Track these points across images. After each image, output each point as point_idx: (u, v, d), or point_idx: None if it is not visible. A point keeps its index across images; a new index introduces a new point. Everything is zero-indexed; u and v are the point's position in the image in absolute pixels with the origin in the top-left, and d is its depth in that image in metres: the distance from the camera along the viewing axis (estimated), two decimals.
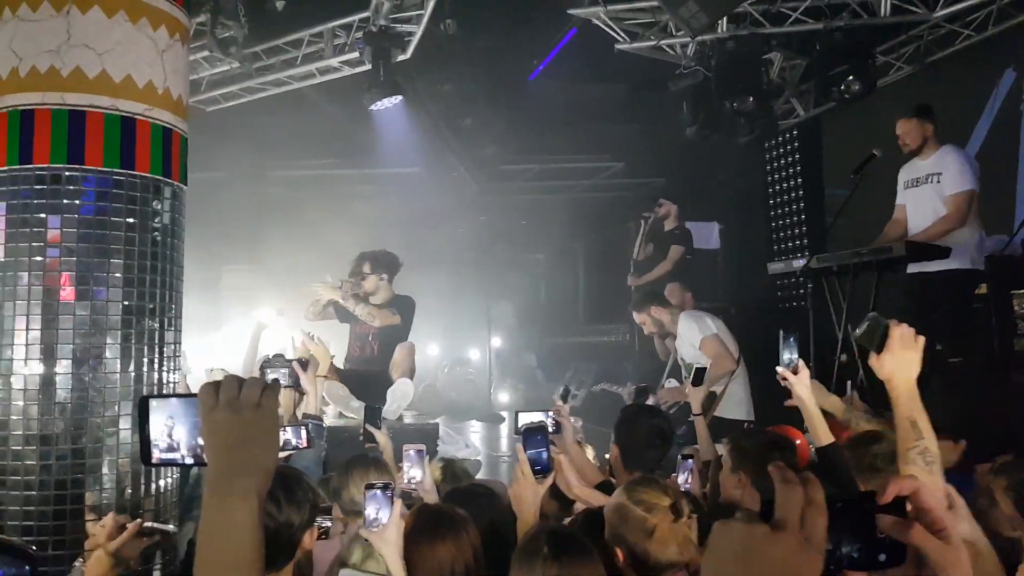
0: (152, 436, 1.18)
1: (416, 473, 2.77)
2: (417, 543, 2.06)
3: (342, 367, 5.62)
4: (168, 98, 2.40)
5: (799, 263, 5.14)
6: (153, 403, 1.19)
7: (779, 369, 2.59)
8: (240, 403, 1.04)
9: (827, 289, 5.08)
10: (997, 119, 6.13)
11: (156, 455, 1.19)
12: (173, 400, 1.20)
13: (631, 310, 5.73)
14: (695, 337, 5.08)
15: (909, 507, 0.82)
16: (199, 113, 7.03)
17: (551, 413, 2.83)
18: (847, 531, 0.81)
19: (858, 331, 1.94)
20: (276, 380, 0.94)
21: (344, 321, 5.76)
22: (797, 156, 8.05)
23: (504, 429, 7.90)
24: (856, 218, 5.47)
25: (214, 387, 1.06)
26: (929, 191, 4.77)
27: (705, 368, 3.82)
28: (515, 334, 10.68)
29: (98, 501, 2.28)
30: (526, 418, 2.55)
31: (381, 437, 3.48)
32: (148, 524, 2.15)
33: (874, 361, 1.87)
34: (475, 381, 9.59)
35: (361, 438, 3.65)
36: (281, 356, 4.08)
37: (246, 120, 7.50)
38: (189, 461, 1.19)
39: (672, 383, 5.50)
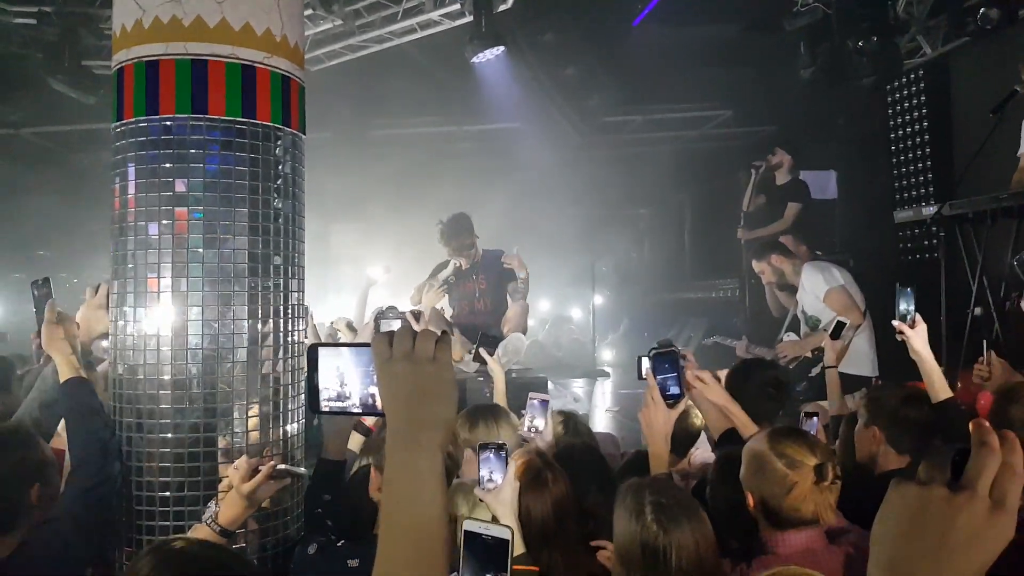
0: (321, 384, 1.20)
1: (539, 423, 2.77)
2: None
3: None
4: (286, 45, 2.41)
5: (930, 210, 4.83)
6: (323, 351, 1.20)
7: (895, 323, 2.51)
8: (416, 355, 1.03)
9: (960, 238, 4.75)
10: None
11: (325, 403, 1.20)
12: (344, 349, 1.21)
13: (751, 258, 5.53)
14: (820, 288, 4.87)
15: None
16: (304, 72, 7.17)
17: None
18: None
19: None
20: (446, 332, 0.95)
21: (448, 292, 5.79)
22: (923, 98, 7.44)
23: (608, 385, 7.87)
24: (988, 166, 5.04)
25: (387, 338, 1.05)
26: None
27: (845, 322, 3.65)
28: (618, 291, 10.55)
29: (229, 445, 2.36)
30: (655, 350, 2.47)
31: (494, 364, 3.53)
32: (281, 466, 2.22)
33: None
34: (579, 339, 9.57)
35: (470, 355, 3.70)
36: (394, 308, 4.16)
37: (350, 80, 7.60)
38: (358, 410, 1.21)
39: (791, 336, 5.28)
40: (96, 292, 2.58)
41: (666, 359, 2.24)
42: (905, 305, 2.56)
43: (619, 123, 9.87)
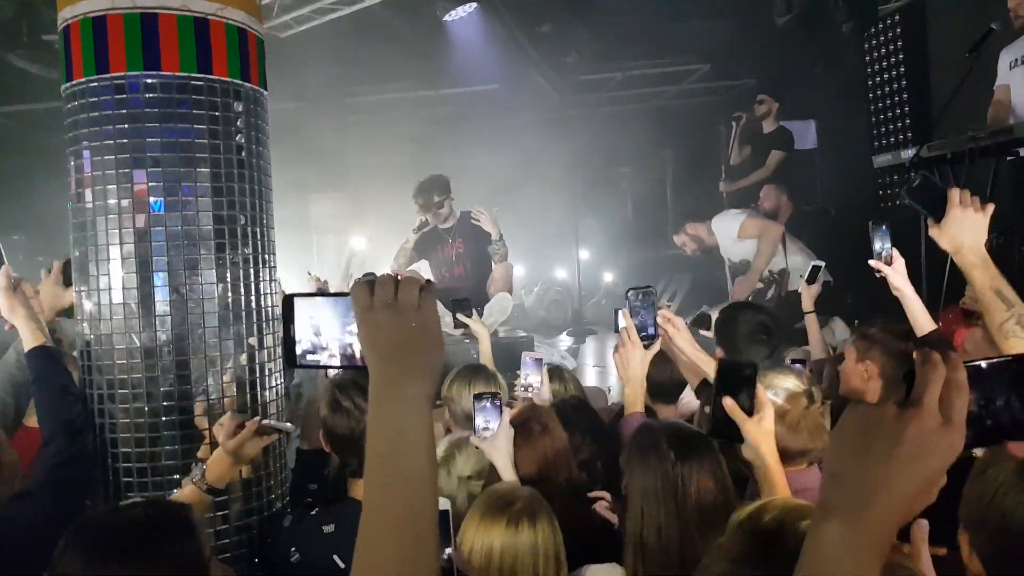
0: (297, 337, 1.12)
1: (534, 379, 2.79)
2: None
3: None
4: None
5: (908, 153, 4.83)
6: (298, 302, 1.12)
7: (872, 262, 2.49)
8: (400, 304, 0.96)
9: (939, 180, 4.75)
10: None
11: (301, 357, 1.13)
12: (320, 299, 1.13)
13: (670, 233, 5.62)
14: (732, 230, 4.97)
15: None
16: (273, 40, 7.02)
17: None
18: (999, 394, 0.78)
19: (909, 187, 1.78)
20: (430, 281, 0.90)
21: (423, 256, 5.73)
22: (900, 43, 7.39)
23: (592, 342, 7.88)
24: (964, 108, 5.03)
25: (368, 286, 0.98)
26: None
27: (821, 265, 3.66)
28: (603, 250, 10.53)
29: (205, 411, 2.32)
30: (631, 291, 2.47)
31: (476, 324, 3.51)
32: (266, 422, 2.20)
33: (935, 230, 1.72)
34: (560, 301, 9.56)
35: (455, 329, 3.68)
36: (372, 274, 4.12)
37: (322, 46, 7.46)
38: (335, 363, 1.12)
39: (739, 281, 5.33)
40: (51, 271, 2.53)
41: (643, 298, 2.22)
42: (880, 243, 2.54)
43: (598, 81, 9.76)
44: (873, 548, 0.71)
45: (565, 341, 8.06)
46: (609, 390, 4.62)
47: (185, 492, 2.08)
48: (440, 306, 5.06)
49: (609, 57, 8.93)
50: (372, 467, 0.95)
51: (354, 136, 9.53)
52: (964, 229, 1.68)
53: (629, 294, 2.25)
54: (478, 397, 2.20)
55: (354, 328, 1.02)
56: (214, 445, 2.16)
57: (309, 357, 1.13)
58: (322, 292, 1.19)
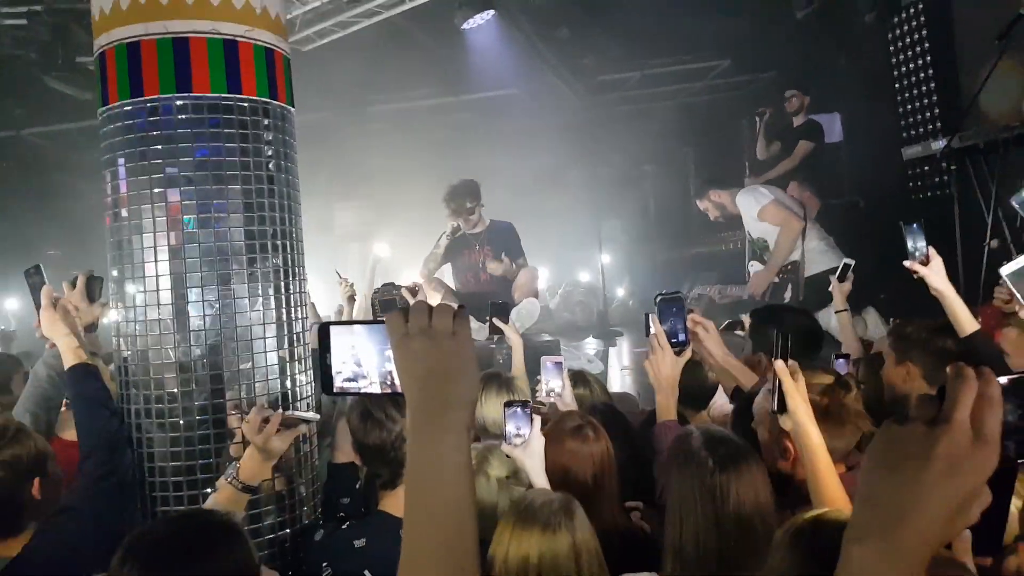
0: (334, 364, 1.14)
1: (555, 384, 2.75)
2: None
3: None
4: (267, 18, 2.37)
5: (939, 144, 4.74)
6: (334, 330, 1.14)
7: (907, 263, 2.41)
8: (435, 331, 0.97)
9: (972, 170, 4.68)
10: None
11: (338, 384, 1.14)
12: (356, 327, 1.14)
13: (694, 199, 5.52)
14: (753, 210, 4.91)
15: None
16: (296, 53, 7.11)
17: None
18: None
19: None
20: (463, 306, 0.91)
21: (448, 259, 5.74)
22: (925, 32, 7.27)
23: (622, 344, 7.86)
24: (996, 93, 4.94)
25: (403, 314, 0.99)
26: None
27: (851, 263, 3.57)
28: (628, 251, 10.49)
29: (238, 409, 2.36)
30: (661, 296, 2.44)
31: (511, 331, 3.47)
32: (288, 414, 2.22)
33: None
34: (585, 302, 9.54)
35: (487, 336, 3.66)
36: (391, 284, 4.13)
37: (343, 57, 7.53)
38: (376, 390, 1.13)
39: (755, 265, 5.25)
40: (74, 285, 2.57)
41: (672, 304, 2.21)
42: (913, 242, 2.46)
43: (616, 81, 9.72)
44: (908, 571, 0.69)
45: (592, 344, 8.04)
46: (638, 394, 4.59)
47: (221, 493, 2.11)
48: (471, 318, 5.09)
49: (627, 57, 8.90)
50: (412, 497, 0.96)
51: (376, 144, 9.60)
52: None
53: (658, 300, 2.23)
54: (508, 404, 2.20)
55: (391, 355, 1.02)
56: (246, 444, 2.19)
57: (348, 384, 1.15)
58: (357, 320, 1.20)
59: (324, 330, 1.15)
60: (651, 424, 2.60)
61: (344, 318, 4.30)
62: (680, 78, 9.81)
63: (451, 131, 9.81)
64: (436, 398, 0.96)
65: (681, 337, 2.22)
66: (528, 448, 2.12)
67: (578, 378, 3.07)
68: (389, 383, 1.11)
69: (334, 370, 1.14)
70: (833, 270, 4.60)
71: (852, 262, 3.67)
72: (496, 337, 3.71)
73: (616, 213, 10.57)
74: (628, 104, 10.11)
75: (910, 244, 2.45)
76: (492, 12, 6.43)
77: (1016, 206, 2.10)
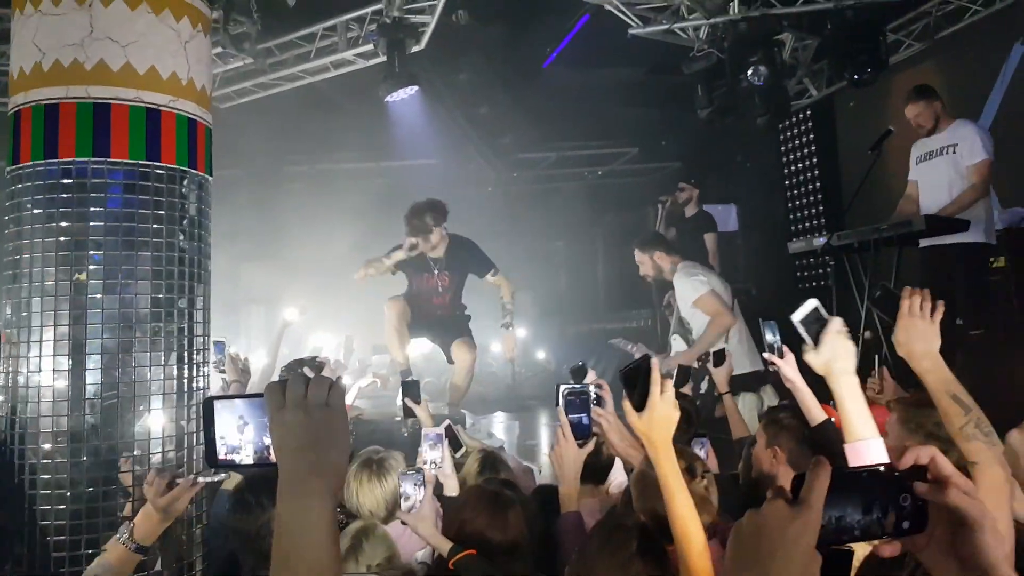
0: (217, 437, 1.19)
1: (434, 456, 2.76)
2: (474, 519, 2.16)
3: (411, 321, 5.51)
4: (192, 89, 2.41)
5: (820, 241, 5.11)
6: (218, 404, 1.20)
7: (765, 355, 2.59)
8: (308, 403, 1.02)
9: (848, 267, 5.05)
10: (1008, 94, 6.06)
11: (222, 456, 1.20)
12: (239, 401, 1.20)
13: (635, 247, 5.61)
14: (689, 295, 5.05)
15: (928, 476, 0.83)
16: (214, 110, 7.07)
17: (592, 385, 2.78)
18: (873, 501, 0.83)
19: (798, 315, 1.87)
20: (339, 378, 0.95)
21: (402, 270, 5.60)
22: (812, 136, 7.99)
23: (527, 418, 7.92)
24: (874, 196, 5.44)
25: (280, 387, 1.04)
26: (944, 163, 4.76)
27: (724, 348, 3.76)
28: (539, 324, 10.67)
29: (132, 468, 2.29)
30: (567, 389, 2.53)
31: (422, 412, 3.43)
32: (200, 479, 2.17)
33: (898, 336, 1.80)
34: (496, 373, 9.58)
35: (399, 418, 3.61)
36: (299, 360, 4.03)
37: (262, 117, 7.53)
38: (250, 462, 1.19)
39: (678, 340, 5.42)
40: None
41: (577, 396, 2.28)
42: (771, 336, 2.63)
43: (533, 160, 10.10)
44: None
45: (500, 417, 8.07)
46: (539, 471, 4.63)
47: (112, 553, 2.04)
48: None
49: (544, 138, 9.29)
50: (277, 560, 1.00)
51: (291, 205, 9.53)
52: (915, 337, 1.75)
53: (564, 392, 2.28)
54: (403, 473, 2.25)
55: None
56: (136, 504, 2.12)
57: (229, 457, 1.20)
58: (240, 395, 1.24)
59: (208, 405, 1.20)
60: (542, 497, 2.67)
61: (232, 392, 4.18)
62: (592, 162, 10.29)
63: (369, 197, 9.86)
64: (304, 466, 1.01)
65: (584, 429, 2.25)
66: (420, 513, 2.18)
67: (482, 455, 3.09)
68: (265, 455, 1.17)
69: (218, 443, 1.19)
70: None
71: (725, 347, 3.82)
72: (410, 421, 3.67)
73: (529, 285, 10.78)
74: (542, 183, 10.49)
75: (768, 338, 2.60)
76: (416, 87, 6.62)
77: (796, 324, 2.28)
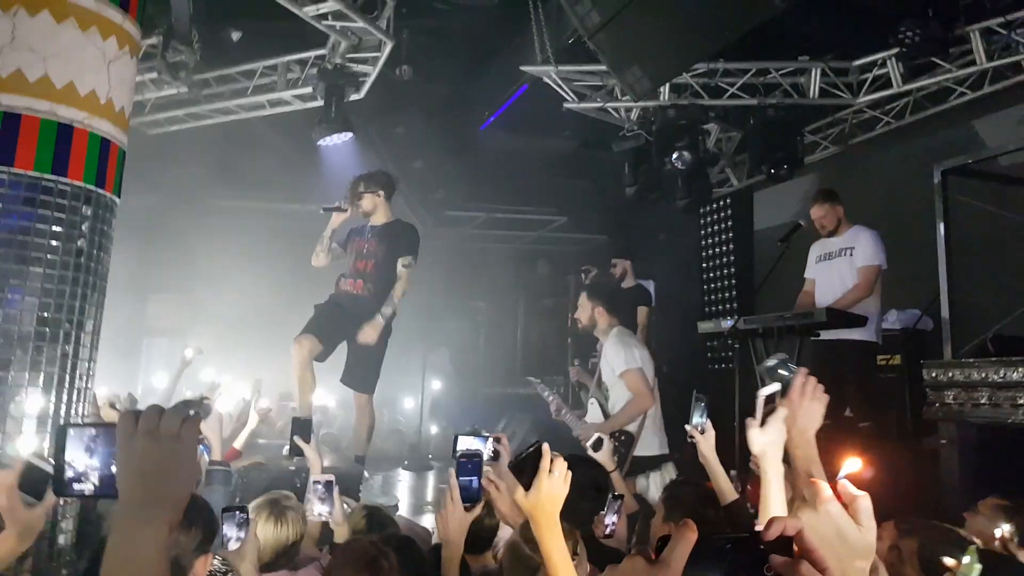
0: (67, 465, 1.14)
1: (323, 509, 2.71)
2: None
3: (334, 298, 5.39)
4: (111, 108, 2.36)
5: (727, 324, 5.30)
6: (71, 432, 1.15)
7: (688, 427, 2.67)
8: (159, 432, 1.02)
9: (752, 351, 5.24)
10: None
11: (68, 486, 1.15)
12: (92, 429, 1.16)
13: (583, 290, 5.58)
14: (619, 367, 5.04)
15: (795, 547, 0.86)
16: (141, 135, 6.91)
17: (490, 439, 2.71)
18: (737, 569, 0.85)
19: (768, 363, 1.98)
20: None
21: (343, 246, 5.51)
22: (730, 223, 8.38)
23: (431, 477, 7.78)
24: (784, 284, 5.71)
25: (134, 415, 1.03)
26: (842, 264, 5.09)
27: (604, 437, 3.77)
28: (451, 382, 10.58)
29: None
30: (465, 441, 2.51)
31: (310, 452, 3.35)
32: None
33: (782, 406, 1.91)
34: (402, 430, 9.40)
35: (285, 452, 3.53)
36: (185, 402, 3.91)
37: (189, 147, 7.39)
38: (92, 492, 1.15)
39: (594, 405, 5.41)
40: None
41: (470, 461, 2.27)
42: (699, 415, 2.72)
43: (463, 217, 10.21)
44: None
45: (402, 475, 7.90)
46: (433, 531, 4.55)
47: None
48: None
49: (475, 198, 9.42)
50: None
51: (206, 239, 9.25)
52: (801, 415, 1.84)
53: (457, 456, 2.28)
54: (227, 510, 2.26)
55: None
56: None
57: (76, 486, 1.15)
58: (96, 424, 1.20)
59: (62, 432, 1.16)
60: (437, 556, 2.61)
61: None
62: (521, 226, 10.48)
63: (289, 239, 9.70)
64: (143, 494, 1.00)
65: (472, 494, 2.24)
66: (241, 551, 2.23)
67: (367, 512, 3.01)
68: (109, 484, 1.12)
69: (66, 471, 1.14)
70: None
71: (604, 435, 3.86)
72: (296, 458, 3.59)
73: (448, 342, 10.74)
74: (470, 241, 10.58)
75: (696, 416, 2.69)
76: (350, 135, 6.63)
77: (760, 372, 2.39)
